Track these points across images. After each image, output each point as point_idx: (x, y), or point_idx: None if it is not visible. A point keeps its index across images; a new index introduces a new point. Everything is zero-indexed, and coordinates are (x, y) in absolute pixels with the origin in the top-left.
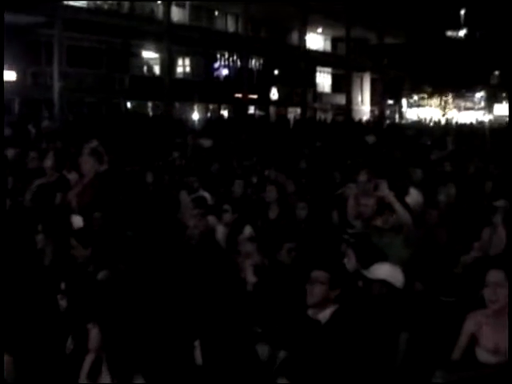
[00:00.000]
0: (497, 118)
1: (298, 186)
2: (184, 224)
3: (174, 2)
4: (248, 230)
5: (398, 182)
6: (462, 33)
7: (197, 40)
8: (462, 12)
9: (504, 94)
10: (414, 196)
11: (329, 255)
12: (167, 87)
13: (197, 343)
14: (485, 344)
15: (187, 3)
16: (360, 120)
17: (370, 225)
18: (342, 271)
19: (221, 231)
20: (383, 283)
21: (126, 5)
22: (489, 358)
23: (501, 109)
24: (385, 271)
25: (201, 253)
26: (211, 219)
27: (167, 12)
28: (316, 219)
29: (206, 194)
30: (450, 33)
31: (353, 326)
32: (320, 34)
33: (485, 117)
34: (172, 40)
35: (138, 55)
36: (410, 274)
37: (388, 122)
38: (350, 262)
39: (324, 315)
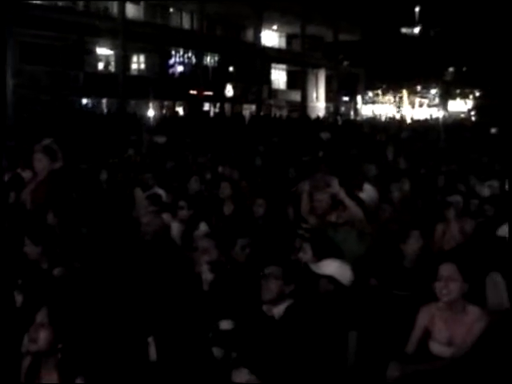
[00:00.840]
0: (451, 114)
1: (253, 183)
2: (139, 221)
3: None
4: (203, 227)
5: (352, 178)
6: (416, 30)
7: (152, 37)
8: (417, 9)
9: (458, 91)
10: (368, 192)
11: (283, 250)
12: (122, 84)
13: (151, 339)
14: (438, 337)
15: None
16: (318, 117)
17: (325, 220)
18: (296, 266)
19: (176, 228)
20: (330, 279)
21: (81, 2)
22: (442, 350)
23: (455, 105)
24: (333, 267)
25: (155, 250)
26: (166, 216)
27: (122, 9)
28: (272, 215)
29: (161, 191)
30: (404, 30)
31: (305, 322)
32: (275, 30)
33: (439, 113)
34: (127, 37)
35: (93, 52)
36: (364, 269)
37: (341, 118)
38: (306, 257)
39: (278, 311)
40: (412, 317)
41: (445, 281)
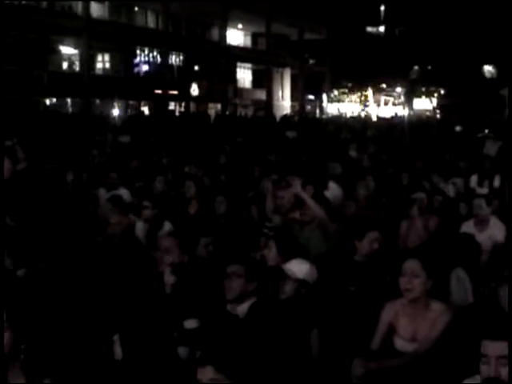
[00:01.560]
0: (416, 112)
1: (217, 182)
2: (103, 221)
3: None
4: (167, 226)
5: (317, 177)
6: (381, 29)
7: (116, 36)
8: (382, 8)
9: (423, 89)
10: (333, 190)
11: (245, 248)
12: (86, 84)
13: (116, 338)
14: (402, 332)
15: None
16: (285, 115)
17: (289, 218)
18: (259, 264)
19: (140, 227)
20: (301, 283)
21: (45, 1)
22: (406, 346)
23: (420, 103)
24: (304, 271)
25: (121, 250)
26: (131, 216)
27: (86, 7)
28: (235, 214)
29: (126, 191)
30: (370, 29)
31: (269, 320)
32: (240, 29)
33: (404, 111)
34: (91, 36)
35: (57, 51)
36: (327, 267)
37: (307, 117)
38: (271, 254)
39: (242, 309)
40: (367, 312)
41: (409, 277)
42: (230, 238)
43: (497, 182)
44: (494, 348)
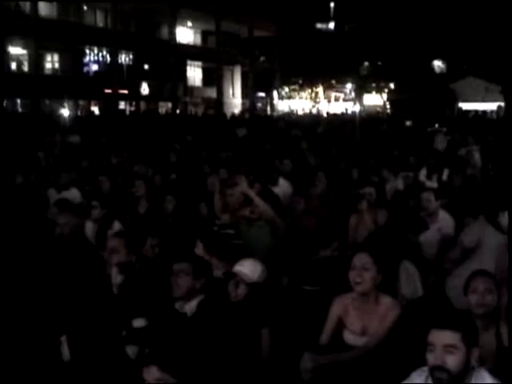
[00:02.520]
0: (366, 108)
1: (167, 180)
2: (53, 222)
3: None
4: (117, 226)
5: (267, 174)
6: (331, 25)
7: (65, 35)
8: (332, 5)
9: (373, 85)
10: (282, 187)
11: (191, 246)
12: (35, 84)
13: (64, 339)
14: (351, 327)
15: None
16: (233, 114)
17: (238, 215)
18: (206, 261)
19: (90, 227)
20: (254, 286)
21: None
22: (356, 340)
23: (370, 99)
24: (256, 272)
25: (69, 250)
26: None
27: (34, 7)
28: (183, 212)
29: (76, 191)
30: (319, 25)
31: (217, 318)
32: (190, 27)
33: (355, 107)
34: (40, 35)
35: (5, 51)
36: (276, 264)
37: (258, 114)
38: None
39: (190, 307)
40: (322, 311)
41: (358, 270)
42: (178, 238)
43: (445, 176)
44: (440, 337)
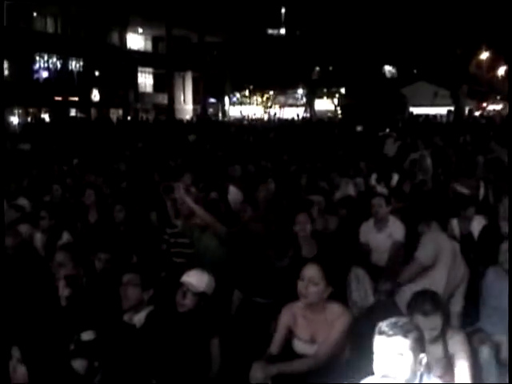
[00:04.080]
0: (318, 113)
1: (117, 189)
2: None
3: None
4: (66, 236)
5: (217, 180)
6: (282, 31)
7: (15, 41)
8: (283, 10)
9: (325, 90)
10: (232, 193)
11: (141, 257)
12: None
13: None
14: (301, 335)
15: (4, 3)
16: (181, 120)
17: (191, 223)
18: (154, 272)
19: (39, 238)
20: (202, 296)
21: None
22: (306, 348)
23: (322, 104)
24: (203, 282)
25: (16, 262)
26: (27, 227)
27: None
28: (134, 221)
29: (25, 201)
30: (270, 31)
31: (166, 329)
32: (141, 33)
33: (306, 112)
34: None
35: None
36: (226, 274)
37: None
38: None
39: (139, 318)
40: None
41: (306, 282)
42: (128, 247)
43: (394, 181)
44: (388, 344)
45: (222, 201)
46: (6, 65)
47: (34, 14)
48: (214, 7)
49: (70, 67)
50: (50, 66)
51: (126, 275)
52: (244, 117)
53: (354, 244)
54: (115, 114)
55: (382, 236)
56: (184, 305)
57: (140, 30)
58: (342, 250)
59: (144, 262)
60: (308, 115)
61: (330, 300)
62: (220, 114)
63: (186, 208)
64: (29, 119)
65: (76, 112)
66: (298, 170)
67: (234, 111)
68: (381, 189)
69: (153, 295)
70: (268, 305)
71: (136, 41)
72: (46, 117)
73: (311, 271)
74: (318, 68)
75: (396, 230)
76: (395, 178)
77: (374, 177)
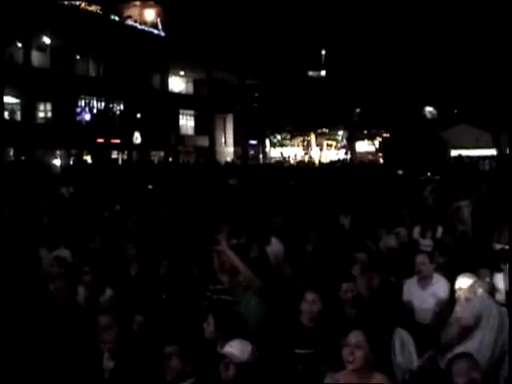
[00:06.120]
0: (358, 155)
1: (158, 239)
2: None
3: (34, 46)
4: (108, 292)
5: (259, 231)
6: (323, 73)
7: (58, 84)
8: (323, 52)
9: (365, 131)
10: (274, 245)
11: (182, 326)
12: (28, 133)
13: None
14: None
15: (47, 47)
16: (226, 162)
17: (234, 280)
18: (197, 342)
19: (81, 293)
20: (244, 366)
21: None
22: None
23: (362, 146)
24: (246, 352)
25: (64, 316)
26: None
27: (27, 56)
28: (177, 276)
29: (66, 251)
30: (311, 73)
31: None
32: (182, 76)
33: (347, 154)
34: (32, 84)
35: None
36: (267, 334)
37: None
38: (209, 329)
39: None
40: (315, 375)
41: (352, 348)
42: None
43: (439, 233)
44: None
45: (263, 254)
46: (49, 107)
47: (77, 57)
48: (253, 49)
49: (111, 110)
50: (92, 108)
51: (168, 346)
52: (285, 158)
53: (397, 303)
54: (156, 156)
55: (426, 294)
56: (227, 376)
57: (181, 73)
58: (385, 311)
59: (186, 330)
60: (349, 157)
61: (374, 369)
62: (261, 156)
63: (228, 263)
64: (71, 161)
65: (118, 154)
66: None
67: (274, 153)
68: (424, 243)
69: (196, 366)
70: (308, 355)
71: (177, 83)
72: (87, 159)
73: (356, 336)
74: (358, 109)
75: (440, 288)
76: (439, 230)
77: (417, 230)
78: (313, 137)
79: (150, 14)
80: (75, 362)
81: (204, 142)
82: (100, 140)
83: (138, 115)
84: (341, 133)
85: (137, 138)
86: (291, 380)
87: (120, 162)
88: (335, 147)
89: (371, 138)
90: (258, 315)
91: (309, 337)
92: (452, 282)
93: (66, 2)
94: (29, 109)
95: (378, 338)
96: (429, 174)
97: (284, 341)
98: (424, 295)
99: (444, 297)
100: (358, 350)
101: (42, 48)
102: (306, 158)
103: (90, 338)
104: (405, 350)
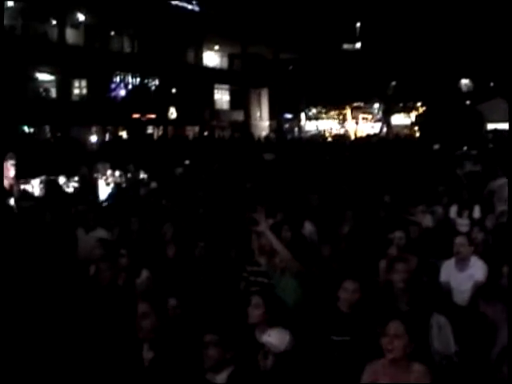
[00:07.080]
0: (394, 129)
1: (194, 218)
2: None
3: (68, 23)
4: (145, 274)
5: (293, 213)
6: (358, 45)
7: (92, 61)
8: (358, 25)
9: (401, 104)
10: (307, 229)
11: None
12: (63, 110)
13: None
14: None
15: (81, 24)
16: (259, 138)
17: (272, 262)
18: (236, 330)
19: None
20: (283, 355)
21: (19, 27)
22: None
23: (398, 119)
24: (284, 342)
25: (109, 300)
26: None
27: (61, 33)
28: (214, 257)
29: (103, 232)
30: (346, 46)
31: None
32: (216, 51)
33: (383, 127)
34: (67, 62)
35: (34, 78)
36: (304, 319)
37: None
38: (256, 313)
39: (221, 378)
40: (352, 362)
41: (391, 338)
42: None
43: (476, 213)
44: None
45: (300, 236)
46: (84, 84)
47: (111, 34)
48: (288, 24)
49: (146, 85)
50: (127, 84)
51: (207, 335)
52: (320, 132)
53: (434, 286)
54: (191, 131)
55: (464, 276)
56: (266, 365)
57: (216, 48)
58: (422, 295)
59: (225, 316)
60: (385, 130)
61: (413, 360)
62: (296, 130)
63: (268, 245)
64: (107, 137)
65: (153, 129)
66: (375, 201)
67: (309, 126)
68: (461, 222)
69: (234, 355)
70: (345, 342)
71: (212, 58)
72: (123, 134)
73: (395, 326)
74: (393, 83)
75: (478, 270)
76: (477, 209)
77: (454, 209)
78: (348, 110)
79: None
80: (118, 348)
81: (239, 116)
82: (135, 116)
83: (173, 90)
84: (376, 106)
85: (172, 113)
86: (328, 367)
87: (155, 137)
88: (371, 120)
89: (407, 111)
90: (295, 300)
91: (346, 324)
92: (490, 264)
93: None
94: (64, 86)
95: (417, 328)
96: (465, 148)
97: (321, 327)
98: (462, 277)
99: (481, 279)
100: (397, 340)
101: (76, 25)
102: (342, 132)
103: (131, 325)
104: (442, 335)
